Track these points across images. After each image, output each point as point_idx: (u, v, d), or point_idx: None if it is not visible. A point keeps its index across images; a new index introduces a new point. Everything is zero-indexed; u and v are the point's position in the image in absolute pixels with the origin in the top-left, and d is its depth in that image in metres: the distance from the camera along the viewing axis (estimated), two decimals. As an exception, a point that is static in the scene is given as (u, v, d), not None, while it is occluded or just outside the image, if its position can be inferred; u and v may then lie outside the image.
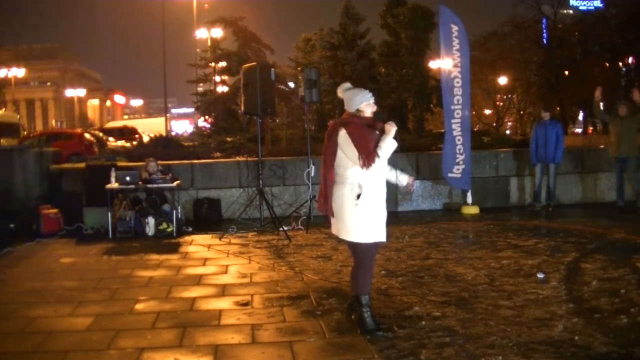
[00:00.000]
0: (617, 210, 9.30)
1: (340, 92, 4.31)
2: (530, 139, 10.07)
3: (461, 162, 9.55)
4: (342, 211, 4.11)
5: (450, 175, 9.61)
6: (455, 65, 9.57)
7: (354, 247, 4.21)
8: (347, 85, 4.35)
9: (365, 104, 4.15)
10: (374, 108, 4.17)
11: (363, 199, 4.04)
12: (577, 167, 10.74)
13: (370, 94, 4.22)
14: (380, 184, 4.17)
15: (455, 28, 9.53)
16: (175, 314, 4.75)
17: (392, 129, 4.07)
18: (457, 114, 9.60)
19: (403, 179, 4.43)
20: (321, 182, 4.31)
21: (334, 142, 4.12)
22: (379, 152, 4.02)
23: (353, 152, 4.02)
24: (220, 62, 33.97)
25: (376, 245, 4.19)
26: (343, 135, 4.06)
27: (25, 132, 25.58)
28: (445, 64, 9.77)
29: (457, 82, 9.55)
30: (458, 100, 9.59)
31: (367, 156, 3.98)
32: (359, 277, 4.22)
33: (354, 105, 4.16)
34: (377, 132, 4.10)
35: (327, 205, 4.21)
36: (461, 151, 9.55)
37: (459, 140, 9.55)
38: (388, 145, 4.05)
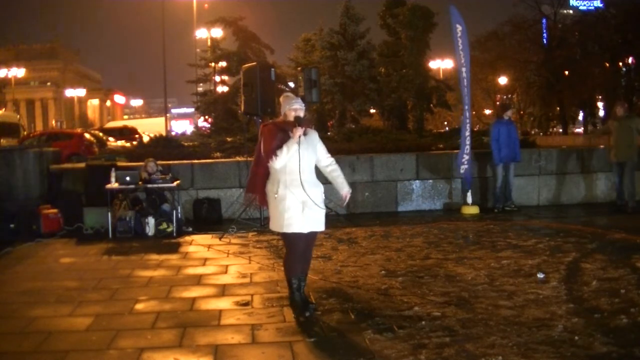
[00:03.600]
0: (616, 209, 9.29)
1: (280, 99, 4.84)
2: (491, 138, 9.77)
3: (465, 162, 9.65)
4: (269, 204, 4.70)
5: (461, 166, 9.70)
6: (462, 65, 9.69)
7: (281, 235, 4.80)
8: (286, 93, 4.92)
9: (288, 108, 4.65)
10: (298, 113, 4.60)
11: (280, 193, 4.54)
12: (577, 167, 10.74)
13: (296, 100, 4.70)
14: (299, 182, 4.51)
15: (459, 28, 9.64)
16: (175, 314, 4.75)
17: (295, 132, 4.48)
18: (466, 113, 9.73)
19: (341, 188, 4.80)
20: (248, 177, 4.90)
21: (259, 142, 4.73)
22: (278, 152, 4.47)
23: (263, 151, 4.63)
24: (220, 62, 33.91)
25: (297, 235, 4.58)
26: (261, 136, 4.69)
27: (25, 132, 25.58)
28: (450, 64, 9.91)
29: (464, 82, 9.67)
30: (466, 100, 9.71)
31: (266, 154, 4.56)
32: (286, 262, 4.78)
33: (282, 110, 4.72)
34: (290, 135, 4.53)
35: (259, 197, 4.82)
36: (467, 151, 9.66)
37: (468, 140, 9.65)
38: (288, 147, 4.48)
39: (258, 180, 4.75)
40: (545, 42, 43.06)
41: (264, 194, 4.73)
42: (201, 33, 36.12)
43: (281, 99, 4.80)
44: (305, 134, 4.57)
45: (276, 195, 4.54)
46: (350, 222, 8.78)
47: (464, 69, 9.68)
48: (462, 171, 9.68)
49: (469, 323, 4.33)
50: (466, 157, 9.63)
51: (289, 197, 4.52)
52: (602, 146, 11.20)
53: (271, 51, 34.90)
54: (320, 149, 4.77)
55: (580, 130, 53.19)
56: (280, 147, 4.48)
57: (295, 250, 4.66)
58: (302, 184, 4.51)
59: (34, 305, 5.02)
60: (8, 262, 6.82)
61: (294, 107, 4.61)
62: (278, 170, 4.54)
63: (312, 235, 4.72)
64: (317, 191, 4.63)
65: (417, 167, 10.30)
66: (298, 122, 4.52)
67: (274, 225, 4.67)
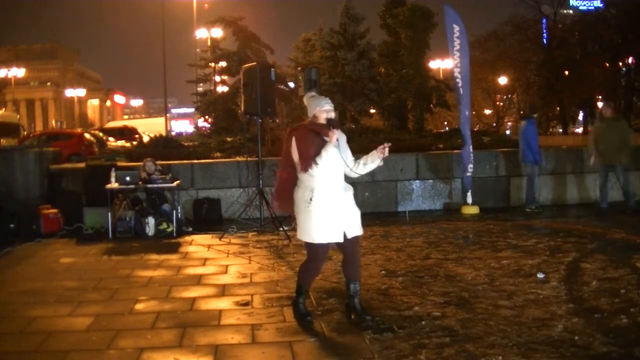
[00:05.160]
0: (601, 212, 9.21)
1: (304, 100, 4.61)
2: (528, 138, 9.61)
3: (471, 163, 9.69)
4: (298, 212, 4.42)
5: (467, 174, 9.69)
6: (455, 66, 9.70)
7: (306, 244, 4.53)
8: (311, 93, 4.70)
9: (318, 109, 4.38)
10: (329, 114, 4.36)
11: (315, 201, 4.28)
12: (577, 167, 10.74)
13: (326, 101, 4.45)
14: (335, 187, 4.36)
15: (456, 28, 9.62)
16: (175, 314, 4.75)
17: (332, 136, 4.25)
18: (467, 113, 9.75)
19: (375, 160, 4.43)
20: (275, 182, 4.61)
21: (289, 147, 4.41)
22: (317, 159, 4.24)
23: (297, 157, 4.34)
24: (220, 62, 33.93)
25: (326, 246, 4.43)
26: (292, 141, 4.36)
27: (25, 132, 25.59)
28: (449, 64, 9.93)
29: (459, 83, 9.68)
30: (464, 100, 9.72)
31: (304, 161, 4.27)
32: (305, 270, 4.59)
33: (311, 112, 4.44)
34: (324, 139, 4.29)
35: (286, 205, 4.53)
36: (471, 150, 9.70)
37: (469, 140, 9.66)
38: (327, 152, 4.26)
39: (287, 187, 4.47)
40: (545, 42, 43.03)
41: (289, 200, 4.45)
42: (201, 33, 36.14)
43: (306, 100, 4.55)
44: None
45: (309, 204, 4.28)
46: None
47: (458, 70, 9.68)
48: (469, 173, 9.68)
49: (469, 323, 4.33)
50: (470, 156, 9.65)
51: (324, 205, 4.27)
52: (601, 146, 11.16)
53: (271, 51, 34.92)
54: (349, 153, 4.51)
55: (580, 130, 53.18)
56: (318, 152, 4.23)
57: (318, 260, 4.48)
58: (339, 188, 4.35)
59: (34, 305, 5.02)
60: (8, 262, 6.82)
61: (326, 108, 4.36)
62: (314, 176, 4.26)
63: (355, 239, 4.45)
64: (350, 194, 4.46)
65: (417, 167, 10.30)
66: (331, 124, 4.28)
67: (304, 235, 4.40)
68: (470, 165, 9.68)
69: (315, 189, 4.28)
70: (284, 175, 4.47)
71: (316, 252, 4.44)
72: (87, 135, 21.12)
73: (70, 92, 71.55)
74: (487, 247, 6.96)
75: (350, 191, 4.47)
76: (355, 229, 4.42)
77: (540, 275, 5.55)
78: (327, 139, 4.28)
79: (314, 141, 4.29)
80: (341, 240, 4.36)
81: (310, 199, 4.28)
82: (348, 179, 4.55)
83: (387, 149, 4.33)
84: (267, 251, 7.08)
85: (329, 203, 4.29)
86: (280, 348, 3.96)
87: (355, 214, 4.46)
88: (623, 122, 9.41)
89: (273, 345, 4.02)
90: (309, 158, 4.24)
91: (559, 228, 8.10)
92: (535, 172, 9.71)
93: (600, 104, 45.93)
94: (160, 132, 24.08)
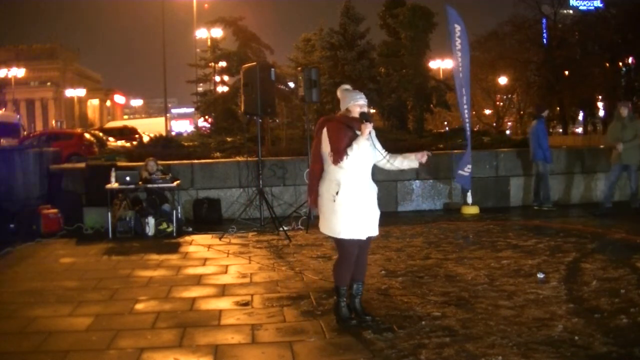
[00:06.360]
0: (602, 211, 9.16)
1: (338, 92, 4.53)
2: (539, 137, 9.70)
3: (468, 168, 9.66)
4: (322, 206, 4.36)
5: (460, 172, 9.66)
6: (457, 65, 9.70)
7: (334, 241, 4.46)
8: (346, 86, 4.58)
9: (352, 104, 4.33)
10: (363, 108, 4.32)
11: (341, 196, 4.22)
12: (577, 167, 10.74)
13: (361, 95, 4.40)
14: (362, 183, 4.31)
15: (458, 28, 9.63)
16: (175, 314, 4.75)
17: (365, 129, 4.19)
18: (467, 113, 9.76)
19: (414, 160, 4.43)
20: (308, 177, 4.55)
21: (319, 139, 4.35)
22: (349, 150, 4.17)
23: (328, 148, 4.26)
24: (220, 62, 33.92)
25: (355, 242, 4.32)
26: (324, 132, 4.31)
27: (25, 132, 25.59)
28: (449, 64, 9.94)
29: (460, 82, 9.69)
30: (465, 100, 9.74)
31: (336, 153, 4.19)
32: (338, 269, 4.47)
33: (344, 105, 4.38)
34: (356, 132, 4.25)
35: (311, 198, 4.46)
36: (469, 154, 9.69)
37: (469, 143, 9.67)
38: (359, 145, 4.20)
39: (316, 181, 4.41)
40: (545, 42, 43.06)
41: (317, 194, 4.40)
42: (201, 33, 36.14)
43: (340, 92, 4.48)
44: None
45: (335, 198, 4.22)
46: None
47: (460, 69, 9.68)
48: (466, 173, 9.63)
49: (469, 323, 4.33)
50: (469, 160, 9.61)
51: (349, 200, 4.22)
52: (602, 146, 11.15)
53: (271, 51, 34.89)
54: (379, 145, 4.45)
55: (580, 130, 53.18)
56: (350, 145, 4.18)
57: (350, 257, 4.37)
58: (365, 185, 4.31)
59: (34, 305, 5.02)
60: (8, 262, 6.82)
61: (360, 103, 4.31)
62: (343, 170, 4.22)
63: (370, 240, 4.47)
64: (375, 193, 4.41)
65: (417, 167, 10.28)
66: (365, 118, 4.23)
67: (327, 229, 4.35)
68: (469, 166, 9.66)
69: (342, 183, 4.23)
70: (316, 169, 4.40)
71: (346, 248, 4.34)
72: (87, 135, 21.13)
73: (70, 92, 71.48)
74: (487, 247, 6.96)
75: (374, 190, 4.43)
76: (374, 229, 4.40)
77: (540, 275, 5.55)
78: (359, 132, 4.24)
79: (346, 133, 4.24)
80: (364, 238, 4.33)
81: (337, 193, 4.23)
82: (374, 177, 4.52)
83: (426, 157, 4.36)
84: (267, 251, 7.08)
85: (354, 199, 4.25)
86: (280, 348, 3.96)
87: (376, 214, 4.42)
88: (638, 122, 9.34)
89: (273, 345, 4.02)
90: (341, 149, 4.17)
91: (559, 228, 8.09)
92: (547, 170, 9.78)
93: (600, 104, 46.04)
94: (160, 132, 24.09)
